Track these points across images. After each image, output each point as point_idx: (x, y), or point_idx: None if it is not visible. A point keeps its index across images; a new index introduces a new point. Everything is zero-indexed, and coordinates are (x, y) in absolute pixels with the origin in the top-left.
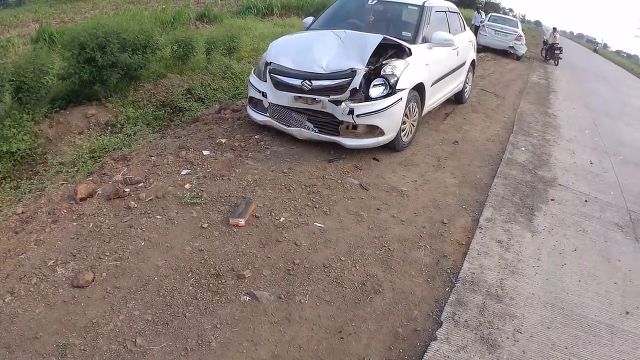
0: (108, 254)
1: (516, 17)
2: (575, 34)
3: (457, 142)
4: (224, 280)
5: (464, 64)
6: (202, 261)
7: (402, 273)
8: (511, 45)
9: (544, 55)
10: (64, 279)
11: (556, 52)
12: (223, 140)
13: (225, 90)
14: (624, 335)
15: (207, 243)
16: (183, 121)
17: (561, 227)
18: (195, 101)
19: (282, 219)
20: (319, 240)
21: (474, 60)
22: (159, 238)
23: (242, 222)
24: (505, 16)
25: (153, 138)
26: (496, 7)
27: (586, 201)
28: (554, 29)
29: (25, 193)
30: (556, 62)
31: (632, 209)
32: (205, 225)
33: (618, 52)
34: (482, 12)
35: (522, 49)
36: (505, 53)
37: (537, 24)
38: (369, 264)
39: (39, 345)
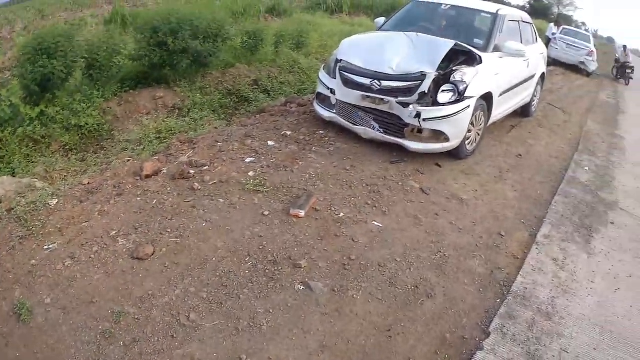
0: (169, 230)
1: (588, 32)
2: None
3: (521, 155)
4: (280, 268)
5: (533, 76)
6: (261, 247)
7: (455, 280)
8: (582, 60)
9: (614, 73)
10: (124, 250)
11: (628, 71)
12: (288, 133)
13: (292, 84)
14: None
15: (266, 230)
16: (249, 111)
17: (618, 252)
18: (262, 92)
19: (342, 214)
20: (376, 239)
21: (543, 73)
22: (220, 220)
23: (302, 213)
24: (578, 30)
25: (219, 124)
26: (569, 20)
27: None
28: (625, 46)
29: (91, 165)
30: (627, 82)
31: None
32: (266, 213)
33: None
34: (557, 24)
35: (592, 65)
36: (575, 68)
37: (610, 40)
38: (423, 268)
39: (95, 310)
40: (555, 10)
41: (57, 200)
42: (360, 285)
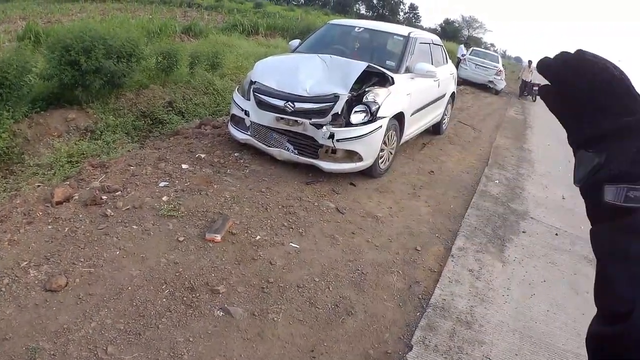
0: (82, 260)
1: (497, 52)
2: None
3: (433, 172)
4: (198, 294)
5: (444, 95)
6: (177, 274)
7: (374, 296)
8: (491, 79)
9: (521, 89)
10: (36, 282)
11: (534, 88)
12: (202, 156)
13: (207, 106)
14: None
15: (182, 256)
16: (163, 133)
17: (531, 259)
18: (176, 114)
19: (258, 237)
20: (294, 261)
21: (454, 92)
22: (135, 248)
23: (218, 237)
24: (487, 51)
25: (132, 147)
26: (478, 42)
27: (557, 234)
28: (529, 62)
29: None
30: (534, 99)
31: None
32: (181, 238)
33: None
34: (466, 45)
35: (501, 84)
36: (484, 87)
37: (518, 59)
38: (342, 286)
39: (8, 347)
40: (466, 32)
41: None
42: (280, 307)
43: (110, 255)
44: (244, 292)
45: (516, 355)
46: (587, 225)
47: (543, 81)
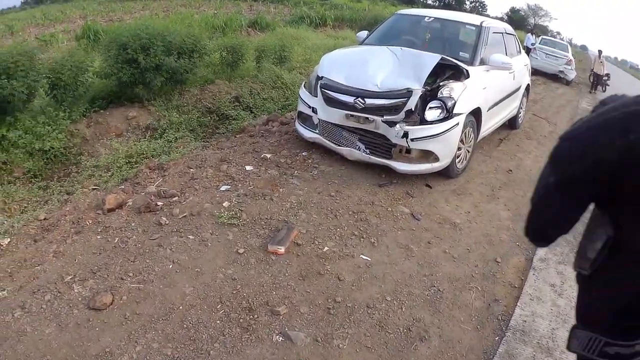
0: (131, 274)
1: (564, 41)
2: (619, 59)
3: (511, 170)
4: (256, 316)
5: (519, 88)
6: (234, 292)
7: (450, 318)
8: (561, 69)
9: (591, 80)
10: (80, 299)
11: (604, 78)
12: (268, 156)
13: (275, 100)
14: None
15: (241, 271)
16: (229, 129)
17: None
18: (243, 109)
19: (326, 248)
20: (365, 276)
21: (528, 84)
22: (189, 261)
23: (282, 249)
24: (556, 39)
25: (194, 147)
26: (545, 30)
27: None
28: (599, 52)
29: (54, 194)
30: (604, 89)
31: None
32: (242, 250)
33: None
34: (534, 34)
35: (571, 74)
36: (554, 77)
37: (583, 48)
38: (416, 306)
39: None
40: (532, 20)
41: (9, 240)
42: (347, 332)
43: (162, 270)
44: (308, 314)
45: None
46: None
47: (613, 70)
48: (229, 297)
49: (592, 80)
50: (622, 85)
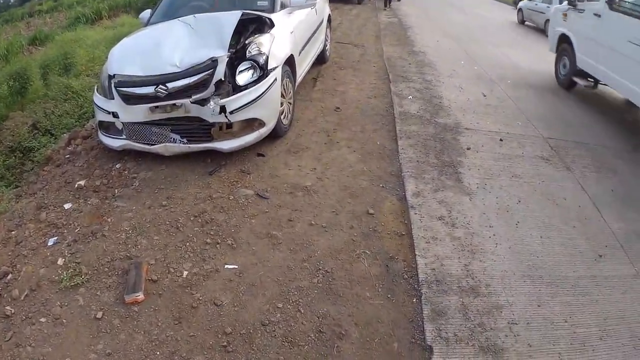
0: None
1: None
2: None
3: (339, 108)
4: None
5: (322, 21)
6: None
7: (356, 299)
8: None
9: None
10: None
11: None
12: (82, 183)
13: (71, 114)
14: (608, 282)
15: (111, 341)
16: (35, 162)
17: (493, 179)
18: (43, 135)
19: (185, 273)
20: (241, 289)
21: (329, 15)
22: (55, 352)
23: (140, 296)
24: None
25: (8, 200)
26: None
27: (501, 140)
28: None
29: None
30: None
31: (546, 135)
32: (100, 314)
33: None
34: None
35: None
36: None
37: None
38: (313, 302)
39: None
40: None
41: None
42: None
43: None
44: None
45: (539, 306)
46: (522, 120)
47: None
48: None
49: None
50: None
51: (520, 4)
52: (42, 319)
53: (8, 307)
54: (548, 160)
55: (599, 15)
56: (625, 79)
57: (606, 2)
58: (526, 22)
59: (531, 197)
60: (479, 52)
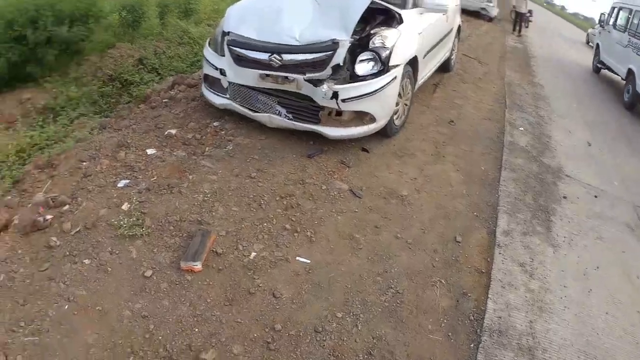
0: (23, 323)
1: None
2: None
3: (453, 121)
4: None
5: (452, 29)
6: (147, 335)
7: (416, 328)
8: (483, 7)
9: (513, 18)
10: None
11: (526, 15)
12: (173, 132)
13: (183, 58)
14: None
15: (152, 303)
16: (132, 96)
17: (580, 236)
18: (149, 72)
19: (253, 254)
20: (305, 287)
21: (459, 25)
22: (88, 297)
23: (198, 266)
24: None
25: (92, 128)
26: None
27: (596, 196)
28: None
29: None
30: (527, 25)
31: (637, 203)
32: (149, 272)
33: (575, 15)
34: None
35: (493, 11)
36: (476, 14)
37: None
38: (374, 320)
39: None
40: None
41: None
42: None
43: (57, 313)
44: (243, 355)
45: None
46: (617, 180)
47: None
48: (142, 344)
49: (514, 18)
50: (542, 21)
51: None
52: (86, 260)
53: (54, 238)
54: (633, 230)
55: (609, 32)
56: (617, 63)
57: (612, 24)
58: None
59: (610, 267)
60: (588, 98)
